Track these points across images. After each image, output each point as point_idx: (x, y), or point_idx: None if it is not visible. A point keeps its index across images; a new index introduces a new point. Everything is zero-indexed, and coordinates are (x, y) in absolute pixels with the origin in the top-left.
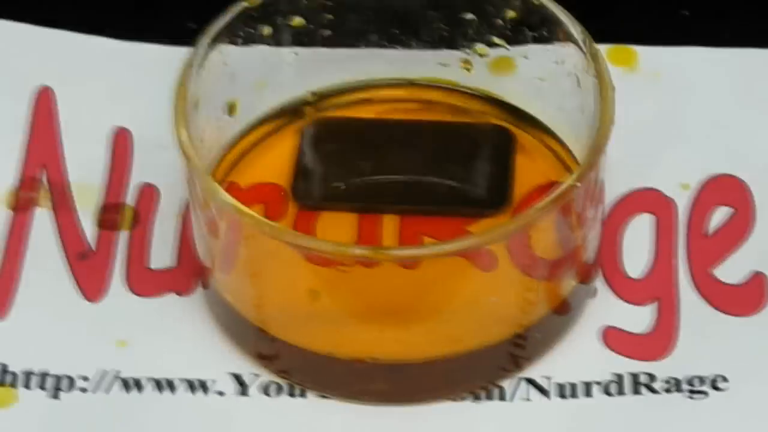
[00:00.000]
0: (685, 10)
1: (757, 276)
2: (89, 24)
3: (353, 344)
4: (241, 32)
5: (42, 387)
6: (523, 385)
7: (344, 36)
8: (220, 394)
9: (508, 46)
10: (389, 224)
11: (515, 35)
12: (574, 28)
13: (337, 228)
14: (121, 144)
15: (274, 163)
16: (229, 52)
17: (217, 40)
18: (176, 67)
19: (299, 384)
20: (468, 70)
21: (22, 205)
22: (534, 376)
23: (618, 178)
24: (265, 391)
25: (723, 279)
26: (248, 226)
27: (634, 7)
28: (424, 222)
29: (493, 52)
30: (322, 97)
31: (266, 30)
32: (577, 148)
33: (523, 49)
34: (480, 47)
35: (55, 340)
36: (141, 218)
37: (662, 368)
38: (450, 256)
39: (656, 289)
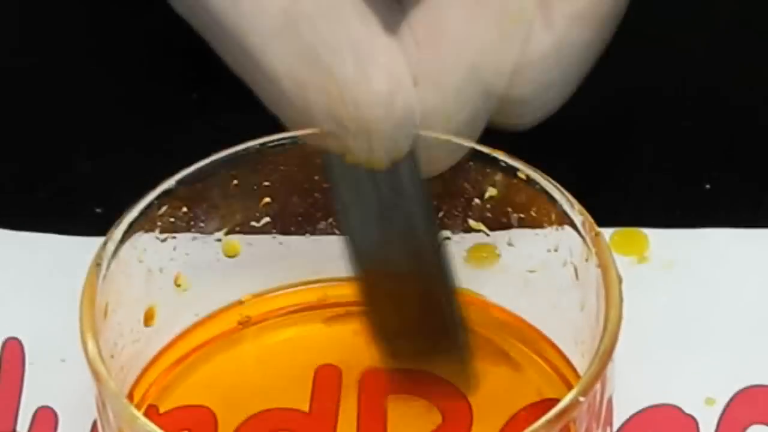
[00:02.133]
0: (708, 183)
1: None
2: None
3: None
4: (160, 221)
5: None
6: None
7: (286, 222)
8: None
9: (488, 231)
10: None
11: (497, 217)
12: (570, 207)
13: None
14: (11, 358)
15: (202, 382)
16: (145, 246)
17: (131, 230)
18: (81, 262)
19: None
20: None
21: None
22: None
23: (627, 392)
24: None
25: None
26: None
27: (644, 181)
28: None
29: (470, 239)
30: (259, 300)
31: (190, 217)
32: (577, 355)
33: (506, 235)
34: (453, 233)
35: None
36: None
37: None
38: None
39: None
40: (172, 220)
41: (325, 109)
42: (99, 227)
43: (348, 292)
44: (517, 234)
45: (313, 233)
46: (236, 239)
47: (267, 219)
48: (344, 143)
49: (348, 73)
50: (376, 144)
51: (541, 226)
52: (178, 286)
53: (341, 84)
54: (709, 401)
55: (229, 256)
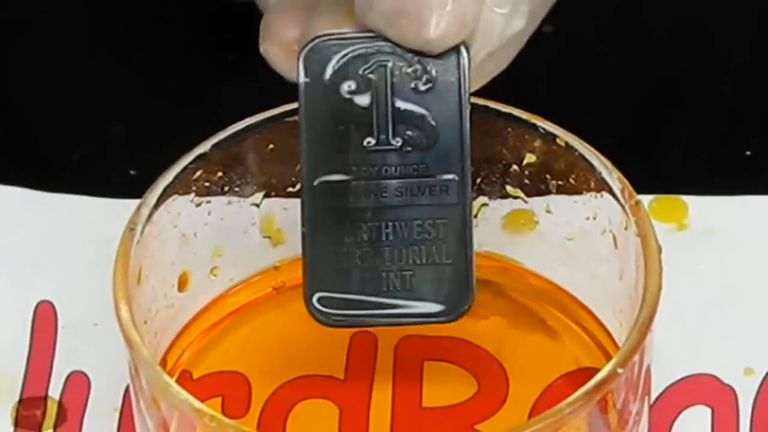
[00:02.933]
0: (748, 150)
1: None
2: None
3: None
4: (195, 186)
5: None
6: None
7: None
8: None
9: (526, 198)
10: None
11: (535, 184)
12: (609, 174)
13: (313, 421)
14: (43, 322)
15: (235, 348)
16: (179, 210)
17: (165, 195)
18: (114, 226)
19: None
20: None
21: None
22: None
23: (665, 362)
24: None
25: None
26: (208, 428)
27: (683, 148)
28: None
29: (508, 206)
30: (294, 266)
31: (225, 181)
32: (615, 324)
33: (544, 201)
34: (491, 200)
35: None
36: (68, 415)
37: None
38: None
39: None
40: (207, 184)
41: None
42: (133, 190)
43: None
44: (555, 201)
45: None
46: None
47: None
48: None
49: None
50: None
51: (579, 193)
52: (213, 251)
53: None
54: (748, 371)
55: (266, 236)
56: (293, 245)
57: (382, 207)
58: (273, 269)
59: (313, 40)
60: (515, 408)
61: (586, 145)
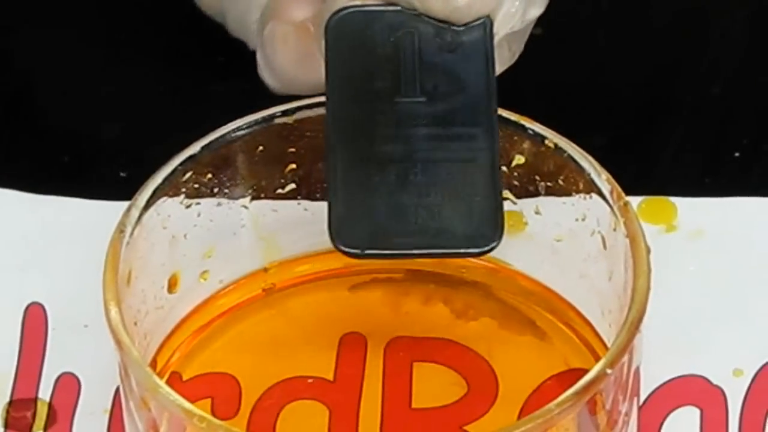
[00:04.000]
0: (737, 151)
1: None
2: None
3: None
4: (185, 187)
5: None
6: None
7: (311, 188)
8: None
9: (515, 200)
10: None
11: (524, 185)
12: (598, 176)
13: (303, 422)
14: (34, 324)
15: (225, 349)
16: (169, 212)
17: (155, 196)
18: (104, 228)
19: None
20: None
21: None
22: None
23: (655, 363)
24: None
25: None
26: (198, 430)
27: (672, 149)
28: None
29: None
30: (284, 268)
31: (215, 183)
32: (604, 325)
33: (533, 203)
34: None
35: None
36: (58, 416)
37: None
38: None
39: None
40: (196, 186)
41: None
42: (124, 192)
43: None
44: (544, 202)
45: None
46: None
47: (292, 185)
48: None
49: None
50: None
51: (568, 195)
52: (203, 252)
53: None
54: (737, 372)
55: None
56: (283, 247)
57: (411, 150)
58: (262, 271)
59: (338, 12)
60: (505, 409)
61: (575, 147)
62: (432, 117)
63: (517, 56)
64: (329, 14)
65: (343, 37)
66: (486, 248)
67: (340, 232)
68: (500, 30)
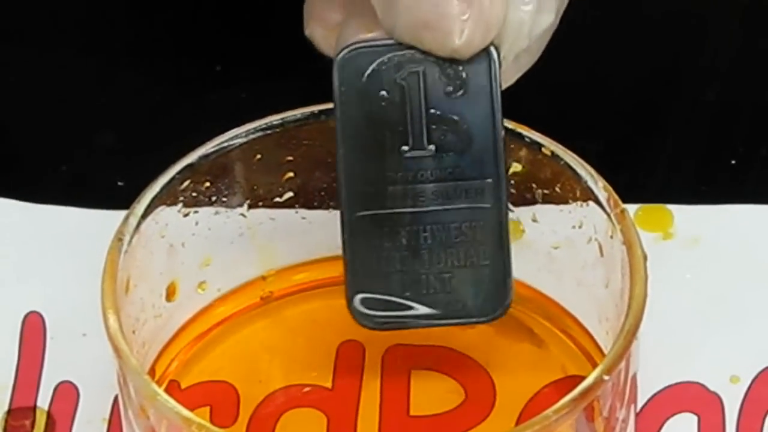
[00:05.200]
0: (734, 159)
1: None
2: None
3: None
4: (183, 196)
5: None
6: None
7: (309, 196)
8: None
9: (512, 207)
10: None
11: (521, 193)
12: (594, 183)
13: (301, 430)
14: (32, 332)
15: (223, 357)
16: (167, 220)
17: (153, 205)
18: (102, 237)
19: None
20: None
21: None
22: None
23: (652, 370)
24: None
25: None
26: None
27: (669, 157)
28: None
29: None
30: (282, 276)
31: (213, 192)
32: (601, 332)
33: (530, 211)
34: None
35: None
36: (57, 425)
37: None
38: None
39: None
40: (194, 194)
41: None
42: (121, 201)
43: None
44: (541, 210)
45: (336, 208)
46: (260, 213)
47: (290, 194)
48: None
49: None
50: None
51: (565, 202)
52: (200, 261)
53: None
54: (734, 379)
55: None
56: (280, 255)
57: (419, 211)
58: (260, 279)
59: (346, 47)
60: (502, 416)
61: (572, 154)
62: (440, 171)
63: (538, 56)
64: (339, 48)
65: (351, 76)
66: (494, 316)
67: (354, 301)
68: (509, 53)
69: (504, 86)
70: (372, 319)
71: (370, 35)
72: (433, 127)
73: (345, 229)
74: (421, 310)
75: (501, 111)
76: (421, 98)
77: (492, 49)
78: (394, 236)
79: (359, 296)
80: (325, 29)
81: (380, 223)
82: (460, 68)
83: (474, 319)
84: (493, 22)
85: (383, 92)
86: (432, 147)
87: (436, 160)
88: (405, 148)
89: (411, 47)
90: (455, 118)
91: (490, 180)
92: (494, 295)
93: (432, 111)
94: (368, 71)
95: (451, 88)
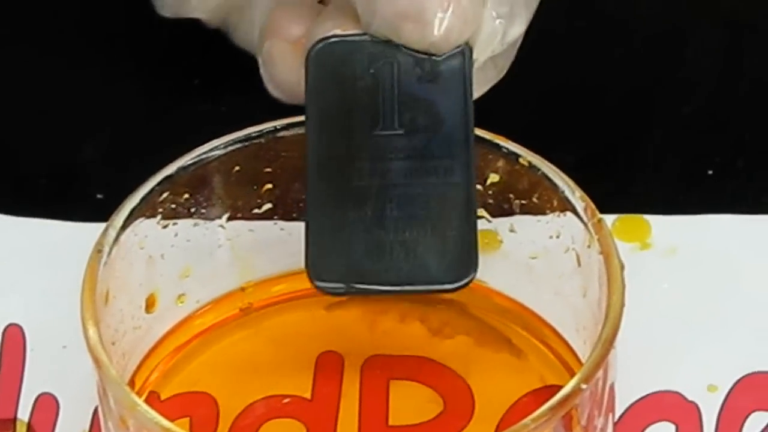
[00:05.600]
0: (710, 169)
1: None
2: None
3: None
4: (161, 208)
5: None
6: None
7: (288, 208)
8: None
9: (489, 218)
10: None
11: (499, 204)
12: (572, 193)
13: None
14: (12, 344)
15: (202, 368)
16: (146, 232)
17: (132, 217)
18: (82, 249)
19: None
20: None
21: None
22: None
23: (630, 379)
24: None
25: None
26: None
27: (646, 167)
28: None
29: None
30: (261, 287)
31: (192, 203)
32: (579, 342)
33: (508, 221)
34: None
35: None
36: None
37: None
38: None
39: None
40: (173, 206)
41: None
42: (101, 213)
43: None
44: (519, 220)
45: None
46: (239, 225)
47: (269, 205)
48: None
49: None
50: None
51: (543, 213)
52: (180, 272)
53: None
54: (711, 388)
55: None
56: (259, 267)
57: (387, 185)
58: (239, 290)
59: (320, 40)
60: (481, 426)
61: (549, 165)
62: (409, 150)
63: (504, 72)
64: (311, 43)
65: (324, 67)
66: (459, 284)
67: (316, 269)
68: (480, 55)
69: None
70: (334, 287)
71: (342, 31)
72: (404, 110)
73: (309, 201)
74: (385, 276)
75: (472, 100)
76: (394, 85)
77: (466, 48)
78: (359, 207)
79: (320, 263)
80: (287, 43)
81: (345, 195)
82: (434, 62)
83: (437, 287)
84: (471, 18)
85: (355, 79)
86: (402, 128)
87: (405, 139)
88: (375, 128)
89: (386, 42)
90: (427, 101)
91: (459, 159)
92: (459, 263)
93: (403, 95)
94: (341, 61)
95: (424, 77)
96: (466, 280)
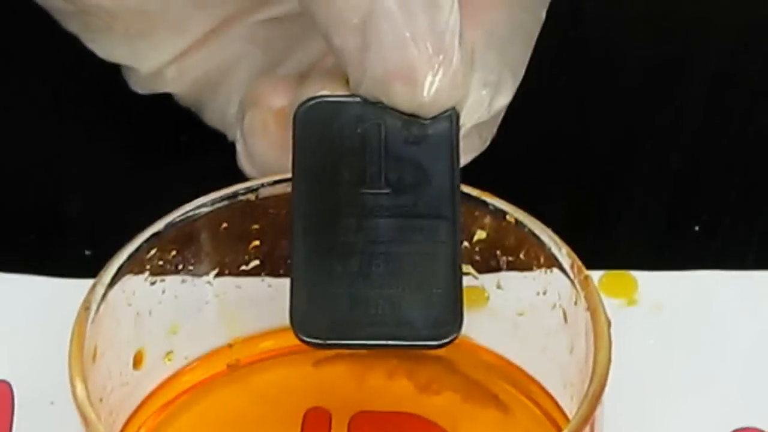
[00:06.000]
0: (697, 225)
1: None
2: None
3: None
4: (149, 264)
5: None
6: None
7: (275, 265)
8: None
9: (476, 274)
10: None
11: (486, 260)
12: (558, 250)
13: None
14: (1, 400)
15: (190, 425)
16: (134, 289)
17: (120, 274)
18: (70, 305)
19: None
20: None
21: None
22: None
23: None
24: None
25: None
26: None
27: (633, 224)
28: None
29: None
30: (248, 343)
31: (179, 260)
32: (566, 398)
33: (495, 277)
34: None
35: None
36: None
37: None
38: None
39: None
40: (161, 263)
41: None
42: (89, 270)
43: None
44: (506, 277)
45: None
46: (226, 281)
47: (256, 262)
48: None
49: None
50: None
51: (529, 269)
52: (167, 329)
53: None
54: None
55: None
56: (246, 323)
57: (373, 242)
58: (227, 347)
59: (307, 101)
60: None
61: (536, 221)
62: (396, 208)
63: (488, 143)
64: (299, 102)
65: (311, 126)
66: (444, 341)
67: (300, 321)
68: (467, 122)
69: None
70: (317, 340)
71: (329, 92)
72: (391, 170)
73: (294, 255)
74: (370, 330)
75: (459, 162)
76: (381, 145)
77: (453, 112)
78: (344, 262)
79: (305, 316)
80: (269, 113)
81: (331, 251)
82: (421, 125)
83: (421, 343)
84: (460, 81)
85: (343, 139)
86: (389, 188)
87: (391, 199)
88: (362, 187)
89: (374, 104)
90: (414, 162)
91: (445, 219)
92: (444, 320)
93: (390, 156)
94: (328, 120)
95: (411, 138)
96: (450, 338)
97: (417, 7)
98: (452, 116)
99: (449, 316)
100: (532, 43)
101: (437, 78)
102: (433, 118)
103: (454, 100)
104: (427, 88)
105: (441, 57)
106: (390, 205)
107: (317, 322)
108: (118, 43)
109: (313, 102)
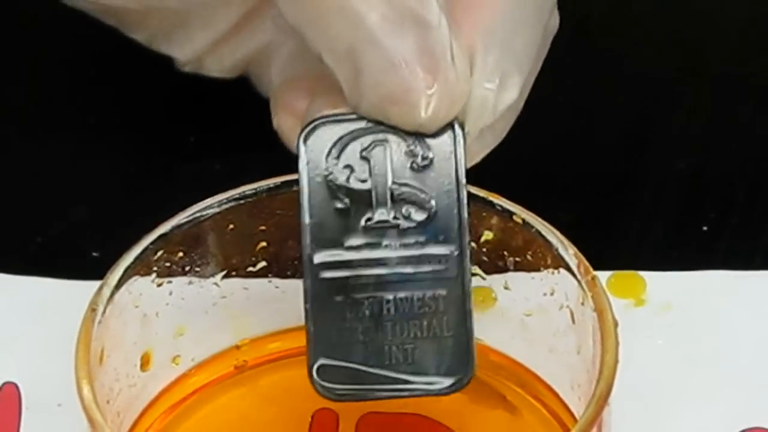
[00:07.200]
0: (705, 225)
1: None
2: None
3: None
4: (156, 266)
5: None
6: None
7: (282, 266)
8: None
9: (484, 275)
10: None
11: (493, 261)
12: (565, 251)
13: None
14: (7, 403)
15: (197, 427)
16: (141, 290)
17: (127, 275)
18: (77, 307)
19: None
20: None
21: None
22: None
23: None
24: None
25: None
26: None
27: (641, 224)
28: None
29: None
30: (256, 345)
31: (186, 262)
32: (574, 398)
33: (502, 278)
34: None
35: None
36: None
37: None
38: None
39: None
40: (168, 264)
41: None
42: (96, 271)
43: None
44: (513, 277)
45: None
46: (233, 283)
47: (263, 263)
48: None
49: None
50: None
51: (537, 270)
52: (174, 330)
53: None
54: None
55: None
56: (254, 324)
57: (383, 282)
58: (234, 348)
59: (312, 121)
60: None
61: (543, 222)
62: (403, 242)
63: (503, 136)
64: (305, 123)
65: (316, 148)
66: (456, 387)
67: (315, 373)
68: (473, 129)
69: (470, 164)
70: (333, 391)
71: (335, 111)
72: (397, 199)
73: (307, 300)
74: (384, 381)
75: (465, 184)
76: (387, 171)
77: (456, 124)
78: (356, 307)
79: (321, 367)
80: (294, 118)
81: (343, 294)
82: (425, 142)
83: (436, 391)
84: (458, 96)
85: (348, 164)
86: (396, 218)
87: (399, 231)
88: (369, 219)
89: (376, 122)
90: (419, 191)
91: (454, 251)
92: (457, 366)
93: (396, 184)
94: (333, 143)
95: (415, 161)
96: (462, 384)
97: (403, 28)
98: (454, 128)
99: (461, 362)
100: (539, 33)
101: (433, 97)
102: (437, 132)
103: (453, 114)
104: (424, 108)
105: (434, 75)
106: (397, 239)
107: (334, 375)
108: (155, 34)
109: (316, 123)
